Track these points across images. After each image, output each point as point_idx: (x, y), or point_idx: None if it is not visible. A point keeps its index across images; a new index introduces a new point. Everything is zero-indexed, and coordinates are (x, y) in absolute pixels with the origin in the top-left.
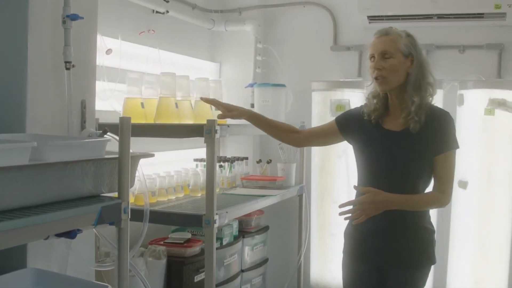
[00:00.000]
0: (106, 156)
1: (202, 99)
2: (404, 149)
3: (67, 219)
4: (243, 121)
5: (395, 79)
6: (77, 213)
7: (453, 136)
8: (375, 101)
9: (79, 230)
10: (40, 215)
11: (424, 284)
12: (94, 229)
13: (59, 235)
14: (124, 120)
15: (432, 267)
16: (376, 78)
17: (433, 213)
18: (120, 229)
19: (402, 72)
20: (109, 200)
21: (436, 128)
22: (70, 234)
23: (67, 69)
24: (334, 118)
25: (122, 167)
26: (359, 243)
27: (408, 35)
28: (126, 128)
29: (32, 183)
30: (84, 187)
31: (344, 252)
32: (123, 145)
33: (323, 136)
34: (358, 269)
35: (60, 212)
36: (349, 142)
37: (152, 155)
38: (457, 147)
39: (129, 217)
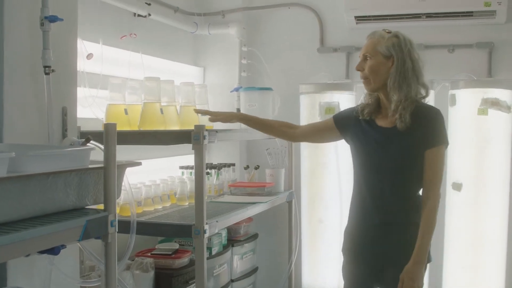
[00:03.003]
0: (91, 166)
1: (195, 111)
2: (395, 145)
3: (50, 235)
4: (231, 126)
5: (376, 79)
6: (61, 228)
7: (442, 132)
8: (369, 97)
9: (62, 246)
10: (20, 231)
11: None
12: (78, 244)
13: (41, 252)
14: (109, 126)
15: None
16: (361, 78)
17: None
18: (107, 244)
19: (383, 73)
20: (94, 213)
21: (425, 125)
22: (53, 250)
23: (47, 74)
24: (333, 115)
25: (108, 177)
26: (357, 239)
27: (395, 36)
28: (111, 136)
29: (11, 197)
30: (68, 200)
31: (343, 250)
32: (109, 153)
33: (319, 133)
34: (357, 267)
35: (42, 227)
36: (345, 139)
37: (139, 164)
38: (446, 142)
39: (117, 230)
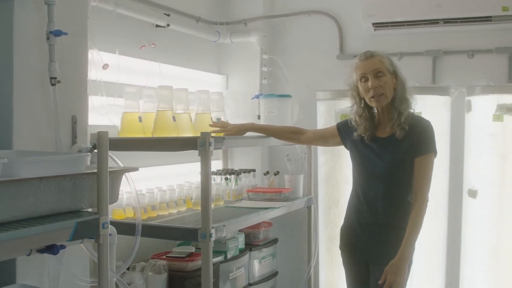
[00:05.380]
0: (86, 171)
1: (210, 125)
2: (389, 153)
3: (41, 235)
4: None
5: (390, 94)
6: (50, 229)
7: (431, 141)
8: (362, 121)
9: (62, 246)
10: (10, 231)
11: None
12: (81, 245)
13: (41, 251)
14: (101, 134)
15: (444, 276)
16: (373, 97)
17: (443, 224)
18: (99, 245)
19: (392, 88)
20: (87, 215)
21: (416, 134)
22: (53, 250)
23: (53, 84)
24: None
25: (100, 182)
26: (351, 237)
27: (388, 56)
28: (103, 143)
29: (4, 199)
30: (62, 203)
31: (340, 247)
32: (101, 159)
33: (323, 139)
34: (351, 264)
35: (33, 228)
36: (345, 145)
37: (136, 169)
38: (435, 151)
39: (110, 232)
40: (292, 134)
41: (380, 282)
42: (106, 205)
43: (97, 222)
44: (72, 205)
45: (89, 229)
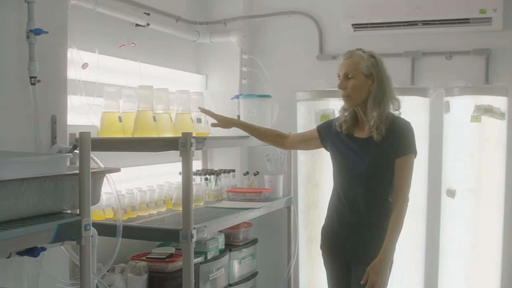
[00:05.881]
0: (68, 172)
1: (200, 109)
2: (369, 154)
3: (22, 237)
4: (226, 133)
5: (358, 97)
6: (31, 231)
7: (411, 143)
8: (346, 113)
9: (43, 248)
10: None
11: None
12: (62, 246)
13: (21, 253)
14: (83, 135)
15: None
16: (342, 96)
17: (421, 223)
18: (81, 247)
19: (364, 91)
20: (69, 217)
21: (397, 136)
22: (33, 253)
23: (32, 84)
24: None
25: (82, 183)
26: (332, 237)
27: (372, 56)
28: (85, 143)
29: None
30: (43, 205)
31: (321, 247)
32: (83, 160)
33: (304, 141)
34: (332, 264)
35: (14, 230)
36: (325, 147)
37: (118, 170)
38: (415, 152)
39: (94, 234)
40: (277, 138)
41: (362, 282)
42: (88, 206)
43: (79, 224)
44: (53, 207)
45: (71, 231)
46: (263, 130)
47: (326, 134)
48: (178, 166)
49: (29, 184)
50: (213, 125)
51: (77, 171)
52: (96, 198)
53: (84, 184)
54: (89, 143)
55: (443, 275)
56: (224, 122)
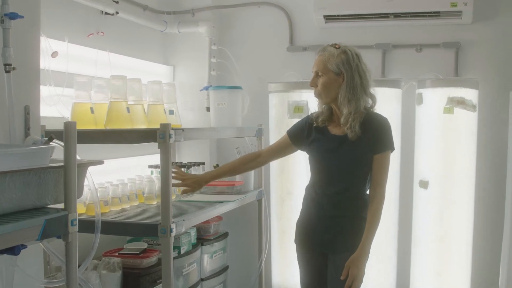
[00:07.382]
0: (51, 165)
1: (173, 185)
2: (346, 151)
3: (7, 235)
4: (199, 125)
5: (327, 95)
6: (18, 228)
7: (388, 139)
8: (323, 106)
9: (23, 246)
10: None
11: None
12: (40, 244)
13: (0, 251)
14: (69, 125)
15: (396, 264)
16: (314, 94)
17: (394, 214)
18: (68, 243)
19: (333, 88)
20: (54, 212)
21: (374, 132)
22: (13, 250)
23: (7, 72)
24: (287, 130)
25: (68, 176)
26: (309, 229)
27: (344, 52)
28: (71, 134)
29: None
30: (27, 199)
31: (295, 241)
32: (69, 152)
33: (280, 151)
34: (309, 256)
35: (1, 227)
36: (302, 149)
37: (102, 162)
38: (392, 148)
39: (78, 229)
40: (251, 162)
41: (342, 278)
42: (74, 200)
43: (65, 219)
44: (37, 201)
45: (57, 227)
46: (236, 164)
47: (299, 137)
48: (146, 159)
49: (13, 177)
50: (184, 191)
51: (62, 164)
52: (79, 192)
53: (70, 177)
54: (74, 134)
55: (414, 264)
56: (196, 183)
